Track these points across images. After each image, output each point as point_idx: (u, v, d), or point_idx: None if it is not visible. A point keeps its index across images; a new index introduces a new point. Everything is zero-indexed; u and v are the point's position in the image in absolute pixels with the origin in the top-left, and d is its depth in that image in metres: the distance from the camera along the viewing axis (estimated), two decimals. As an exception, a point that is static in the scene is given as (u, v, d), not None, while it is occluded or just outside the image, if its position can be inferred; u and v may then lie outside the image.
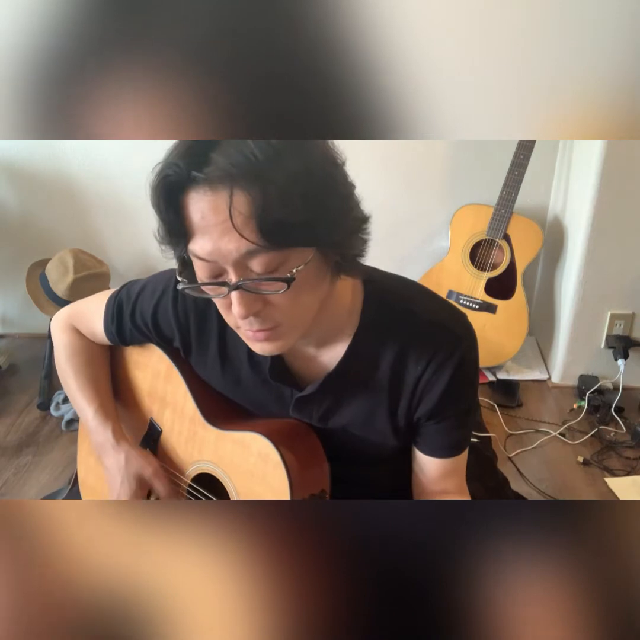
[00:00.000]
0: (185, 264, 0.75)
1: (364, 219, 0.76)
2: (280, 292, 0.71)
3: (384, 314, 0.86)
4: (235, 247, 0.68)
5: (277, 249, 0.68)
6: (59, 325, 1.08)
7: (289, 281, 0.70)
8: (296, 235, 0.69)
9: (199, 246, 0.70)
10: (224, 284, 0.71)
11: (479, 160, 2.36)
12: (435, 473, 0.94)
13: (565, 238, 2.30)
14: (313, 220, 0.68)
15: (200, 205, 0.67)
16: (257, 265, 0.69)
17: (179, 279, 0.75)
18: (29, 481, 1.91)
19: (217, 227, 0.67)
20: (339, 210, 0.71)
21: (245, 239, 0.67)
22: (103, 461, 1.02)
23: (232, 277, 0.71)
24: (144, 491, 0.99)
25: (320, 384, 0.89)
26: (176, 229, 0.70)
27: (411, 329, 0.85)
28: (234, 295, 0.71)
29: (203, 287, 0.74)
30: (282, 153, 0.65)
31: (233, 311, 0.73)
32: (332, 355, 0.88)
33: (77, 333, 1.07)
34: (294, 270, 0.70)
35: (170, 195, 0.68)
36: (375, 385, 0.88)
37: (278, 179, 0.65)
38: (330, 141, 0.71)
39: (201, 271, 0.73)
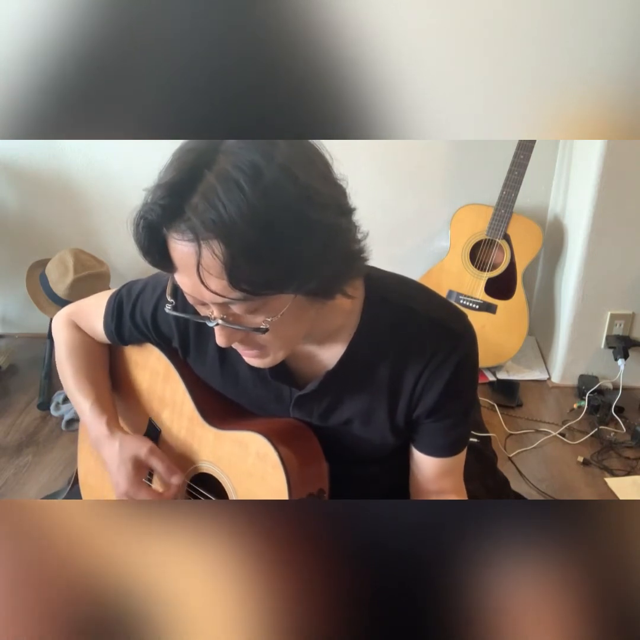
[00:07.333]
0: (177, 287, 0.76)
1: (357, 251, 0.75)
2: (260, 333, 0.73)
3: (384, 312, 0.86)
4: (211, 296, 0.70)
5: (252, 299, 0.70)
6: (61, 322, 1.09)
7: (263, 331, 0.73)
8: (270, 287, 0.69)
9: (180, 282, 0.73)
10: (205, 318, 0.74)
11: (479, 160, 2.36)
12: (433, 472, 0.94)
13: (565, 238, 2.30)
14: (287, 271, 0.68)
15: (177, 250, 0.69)
16: (235, 308, 0.72)
17: (169, 299, 0.79)
18: (29, 481, 1.91)
19: (193, 275, 0.68)
20: (319, 255, 0.68)
21: (217, 294, 0.68)
22: (101, 455, 1.01)
23: (214, 311, 0.73)
24: (141, 473, 0.98)
25: (321, 382, 0.89)
26: (160, 264, 0.72)
27: (412, 327, 0.85)
28: (216, 328, 0.74)
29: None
30: (252, 201, 0.63)
31: (216, 339, 0.76)
32: (333, 353, 0.88)
33: (78, 330, 1.08)
34: (270, 319, 0.72)
35: (151, 235, 0.69)
36: (376, 383, 0.88)
37: (247, 234, 0.64)
38: (318, 177, 0.68)
39: (188, 297, 0.75)
